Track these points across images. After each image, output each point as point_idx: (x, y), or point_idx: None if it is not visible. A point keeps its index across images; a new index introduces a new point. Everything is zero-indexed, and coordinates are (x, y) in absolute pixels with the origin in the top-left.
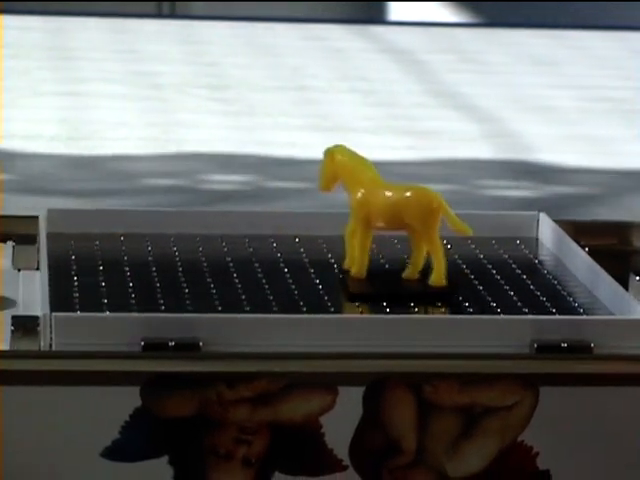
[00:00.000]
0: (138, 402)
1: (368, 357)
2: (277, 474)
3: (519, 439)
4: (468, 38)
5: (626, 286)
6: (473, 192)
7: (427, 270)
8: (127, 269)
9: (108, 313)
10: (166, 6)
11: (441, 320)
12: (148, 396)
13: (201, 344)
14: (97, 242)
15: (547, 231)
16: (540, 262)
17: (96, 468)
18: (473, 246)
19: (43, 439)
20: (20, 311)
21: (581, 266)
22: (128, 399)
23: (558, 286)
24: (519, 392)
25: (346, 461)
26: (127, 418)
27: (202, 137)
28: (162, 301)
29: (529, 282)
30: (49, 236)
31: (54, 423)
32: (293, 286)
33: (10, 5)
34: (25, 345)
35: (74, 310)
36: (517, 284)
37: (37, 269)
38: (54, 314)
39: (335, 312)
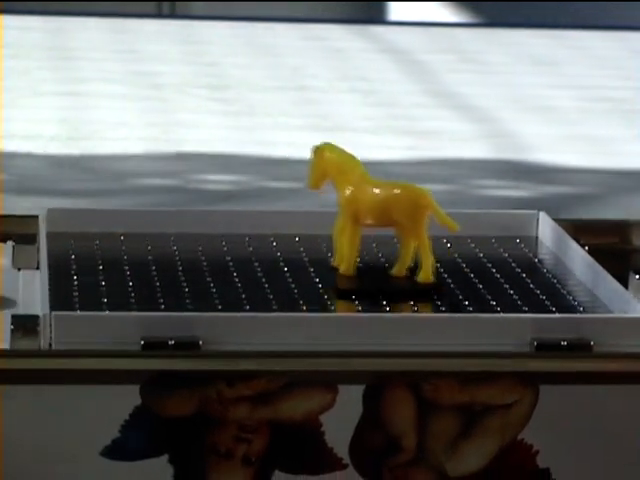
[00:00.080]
0: (138, 401)
1: (368, 356)
2: (277, 473)
3: (519, 437)
4: (468, 38)
5: (626, 285)
6: (473, 192)
7: (416, 267)
8: (127, 268)
9: (108, 312)
10: (166, 6)
11: (441, 319)
12: (148, 395)
13: (201, 343)
14: (97, 241)
15: (547, 230)
16: (540, 261)
17: (96, 467)
18: (473, 245)
19: (43, 438)
20: (20, 310)
21: (581, 265)
22: (128, 398)
23: (558, 285)
24: (519, 390)
25: (346, 460)
26: (127, 417)
27: (202, 137)
28: (162, 300)
29: (529, 281)
30: (49, 236)
31: (54, 422)
32: (293, 285)
33: (10, 5)
34: (25, 344)
35: (74, 309)
36: (517, 283)
37: (37, 268)
38: (54, 313)
39: (335, 311)
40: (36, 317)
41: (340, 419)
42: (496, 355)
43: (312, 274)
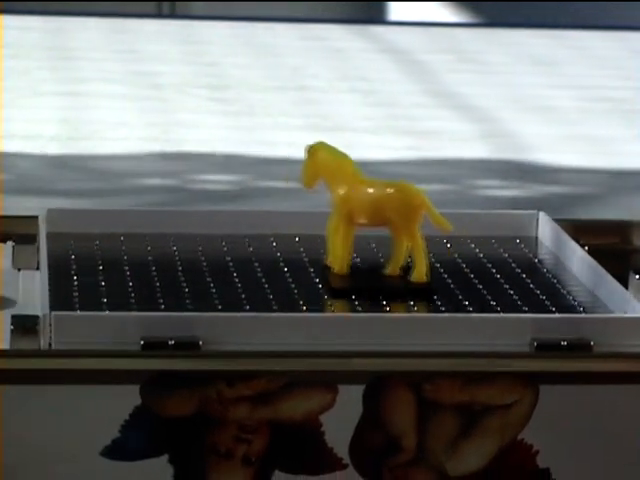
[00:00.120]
0: (138, 401)
1: (368, 355)
2: (277, 473)
3: (519, 437)
4: (468, 38)
5: (626, 285)
6: (473, 192)
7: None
8: (127, 269)
9: (108, 312)
10: (166, 6)
11: (441, 319)
12: (148, 395)
13: (201, 343)
14: (97, 242)
15: (547, 230)
16: (540, 261)
17: (96, 467)
18: (473, 245)
19: (43, 438)
20: (20, 310)
21: (581, 265)
22: (128, 398)
23: (558, 285)
24: (519, 390)
25: (346, 460)
26: (127, 417)
27: (202, 137)
28: (162, 300)
29: (529, 281)
30: (49, 236)
31: (54, 422)
32: (293, 285)
33: (10, 5)
34: (25, 344)
35: (74, 309)
36: (517, 283)
37: (37, 269)
38: (54, 313)
39: (335, 311)
40: (36, 317)
41: (340, 419)
42: (496, 355)
43: (312, 274)
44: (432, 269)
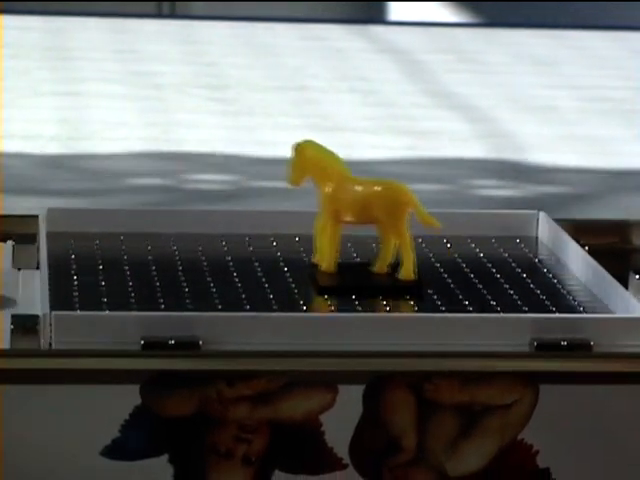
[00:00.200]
0: (138, 400)
1: (368, 355)
2: (277, 472)
3: (519, 437)
4: (468, 38)
5: (626, 285)
6: (472, 192)
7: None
8: (127, 268)
9: (108, 312)
10: (166, 6)
11: (441, 319)
12: (148, 394)
13: (201, 343)
14: (97, 241)
15: (547, 230)
16: (540, 261)
17: (96, 467)
18: (473, 245)
19: (43, 438)
20: (20, 310)
21: (581, 265)
22: (128, 397)
23: (558, 285)
24: (519, 390)
25: (346, 459)
26: (127, 417)
27: (201, 137)
28: (162, 300)
29: (529, 281)
30: (49, 235)
31: (54, 422)
32: (293, 285)
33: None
34: (25, 344)
35: (74, 309)
36: (517, 283)
37: (37, 268)
38: (54, 313)
39: (335, 311)
40: (36, 317)
41: (340, 419)
42: (496, 355)
43: (312, 274)
44: (432, 269)
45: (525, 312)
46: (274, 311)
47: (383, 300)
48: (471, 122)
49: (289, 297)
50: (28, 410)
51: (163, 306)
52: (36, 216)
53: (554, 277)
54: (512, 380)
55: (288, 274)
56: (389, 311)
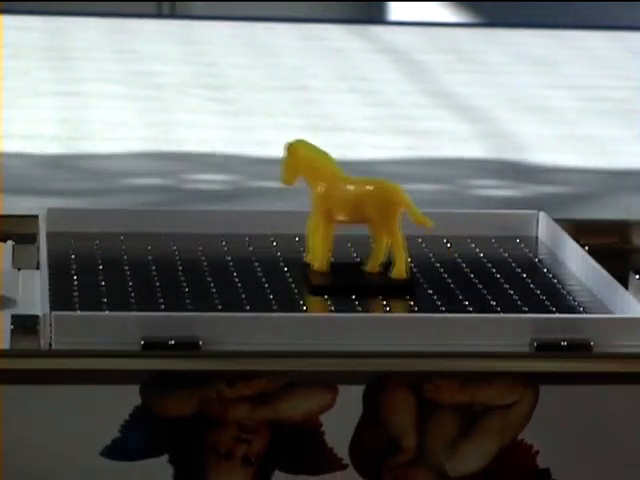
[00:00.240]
0: (138, 401)
1: (368, 356)
2: (277, 473)
3: (519, 438)
4: (468, 38)
5: (626, 285)
6: (472, 192)
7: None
8: (127, 268)
9: (108, 312)
10: (166, 6)
11: (441, 319)
12: (148, 395)
13: (201, 343)
14: (97, 241)
15: (547, 230)
16: (540, 261)
17: (96, 467)
18: (473, 245)
19: (43, 438)
20: (20, 310)
21: (581, 265)
22: (128, 398)
23: (558, 285)
24: (519, 391)
25: (346, 460)
26: (127, 417)
27: (202, 137)
28: (162, 300)
29: (529, 281)
30: (49, 235)
31: (54, 422)
32: (293, 285)
33: (10, 5)
34: (25, 344)
35: (74, 309)
36: (517, 283)
37: (37, 268)
38: (54, 313)
39: (335, 311)
40: (36, 317)
41: (340, 419)
42: (496, 355)
43: (305, 273)
44: (432, 269)
45: (525, 312)
46: (274, 311)
47: (383, 300)
48: (471, 122)
49: (289, 297)
50: (28, 410)
51: (163, 306)
52: (36, 216)
53: (554, 277)
54: (512, 380)
55: (288, 274)
56: (389, 311)
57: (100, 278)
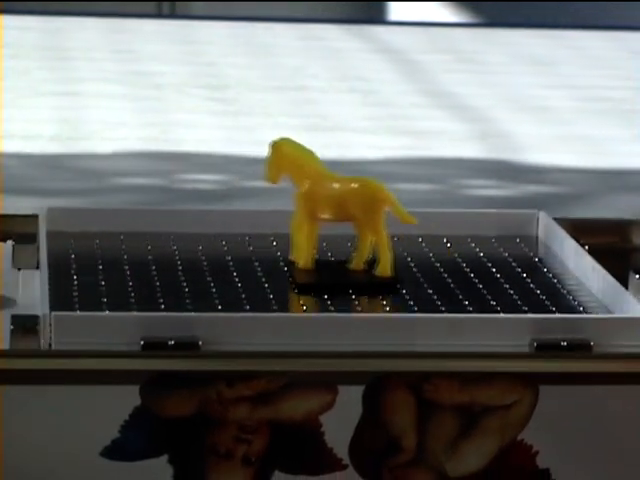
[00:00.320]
0: (138, 401)
1: (368, 356)
2: (277, 473)
3: (519, 438)
4: (468, 38)
5: (626, 284)
6: (470, 192)
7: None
8: (127, 268)
9: (108, 312)
10: (166, 6)
11: (441, 319)
12: (148, 395)
13: (200, 343)
14: (97, 241)
15: (547, 229)
16: (540, 260)
17: (96, 467)
18: (473, 244)
19: (43, 438)
20: (20, 310)
21: (581, 264)
22: (128, 398)
23: (558, 284)
24: (519, 391)
25: (346, 460)
26: (127, 417)
27: (201, 137)
28: (162, 300)
29: (529, 281)
30: (49, 235)
31: (54, 422)
32: (293, 285)
33: (10, 5)
34: (25, 344)
35: (74, 309)
36: (517, 283)
37: (37, 268)
38: (54, 313)
39: (335, 311)
40: (36, 317)
41: (340, 419)
42: (496, 355)
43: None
44: (432, 268)
45: (525, 312)
46: (274, 311)
47: (382, 300)
48: (470, 122)
49: (289, 297)
50: (28, 410)
51: (163, 306)
52: (36, 216)
53: (554, 277)
54: (512, 380)
55: (288, 274)
56: (388, 311)
57: (100, 278)
